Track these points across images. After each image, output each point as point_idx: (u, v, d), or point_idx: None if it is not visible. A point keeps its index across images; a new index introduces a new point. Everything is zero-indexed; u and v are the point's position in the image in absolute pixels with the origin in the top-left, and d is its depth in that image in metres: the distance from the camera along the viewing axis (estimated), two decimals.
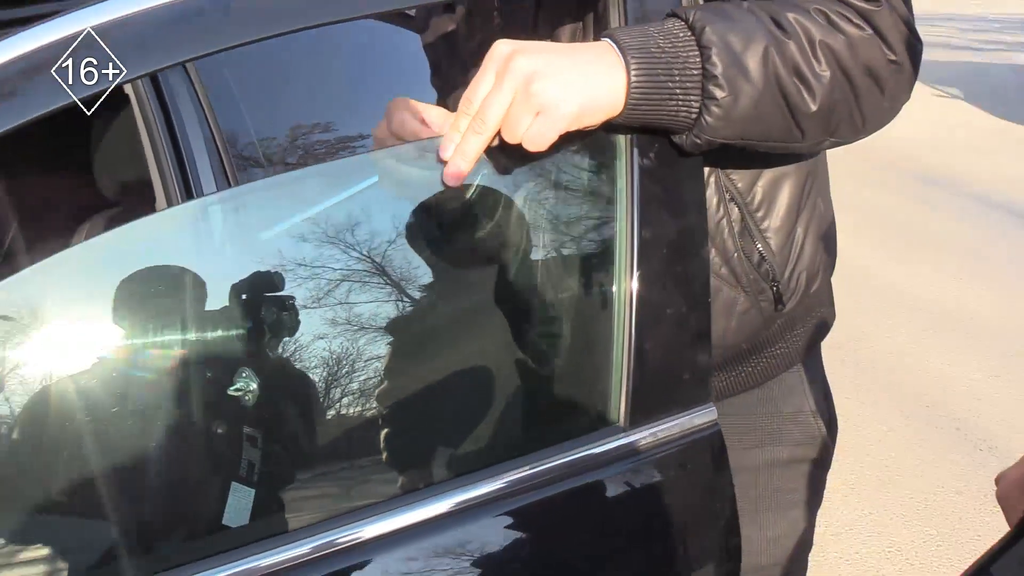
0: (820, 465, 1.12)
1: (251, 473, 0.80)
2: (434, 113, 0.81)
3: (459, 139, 0.76)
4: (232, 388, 0.78)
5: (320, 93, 1.83)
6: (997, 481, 1.08)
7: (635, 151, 0.83)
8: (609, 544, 0.84)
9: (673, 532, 0.86)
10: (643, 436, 0.84)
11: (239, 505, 0.79)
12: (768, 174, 0.96)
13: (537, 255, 0.87)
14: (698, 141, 0.79)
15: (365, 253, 0.80)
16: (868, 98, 0.84)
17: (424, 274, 0.85)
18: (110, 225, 1.84)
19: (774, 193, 0.97)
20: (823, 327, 1.10)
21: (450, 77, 1.08)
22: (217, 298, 0.77)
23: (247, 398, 0.78)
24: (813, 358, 1.12)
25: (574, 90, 0.74)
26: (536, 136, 0.74)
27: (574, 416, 0.86)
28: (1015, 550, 1.01)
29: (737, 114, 0.78)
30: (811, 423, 1.10)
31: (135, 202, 1.72)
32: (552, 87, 0.73)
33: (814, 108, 0.80)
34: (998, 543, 1.04)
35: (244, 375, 0.78)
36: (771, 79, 0.78)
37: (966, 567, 0.99)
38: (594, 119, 0.76)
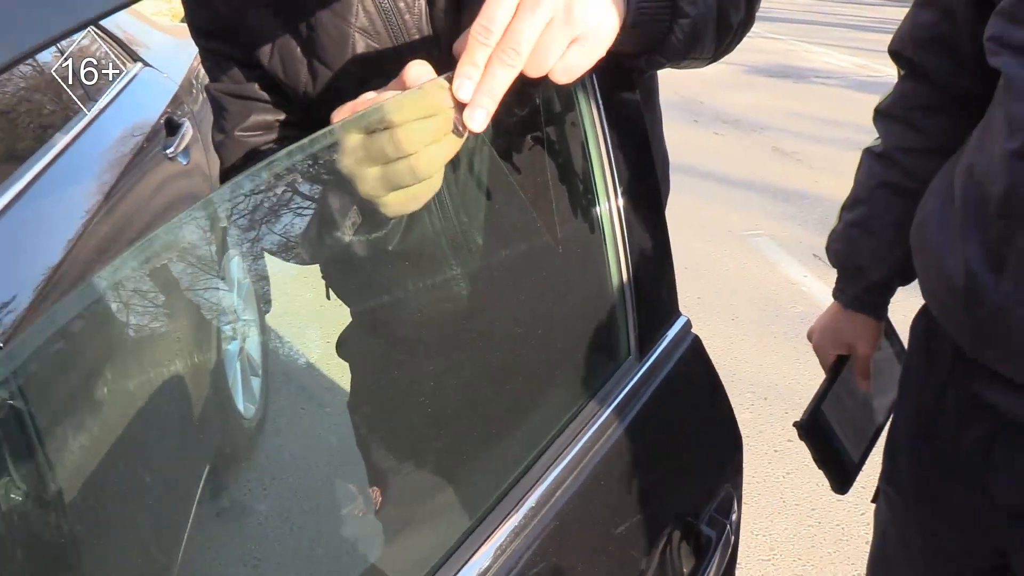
0: None
1: None
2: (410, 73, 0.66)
3: (478, 75, 0.63)
4: None
5: None
6: (810, 336, 1.27)
7: (593, 74, 0.78)
8: (653, 472, 0.82)
9: (698, 442, 0.87)
10: (652, 361, 0.83)
11: None
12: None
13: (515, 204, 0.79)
14: (663, 60, 0.76)
15: None
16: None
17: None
18: None
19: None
20: None
21: None
22: None
23: None
24: None
25: (609, 11, 0.66)
26: (573, 66, 0.64)
27: (592, 360, 0.81)
28: (834, 390, 1.22)
29: (694, 33, 0.73)
30: None
31: None
32: (594, 10, 0.64)
33: (740, 19, 0.78)
34: (821, 386, 1.24)
35: None
36: None
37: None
38: (616, 43, 0.68)
